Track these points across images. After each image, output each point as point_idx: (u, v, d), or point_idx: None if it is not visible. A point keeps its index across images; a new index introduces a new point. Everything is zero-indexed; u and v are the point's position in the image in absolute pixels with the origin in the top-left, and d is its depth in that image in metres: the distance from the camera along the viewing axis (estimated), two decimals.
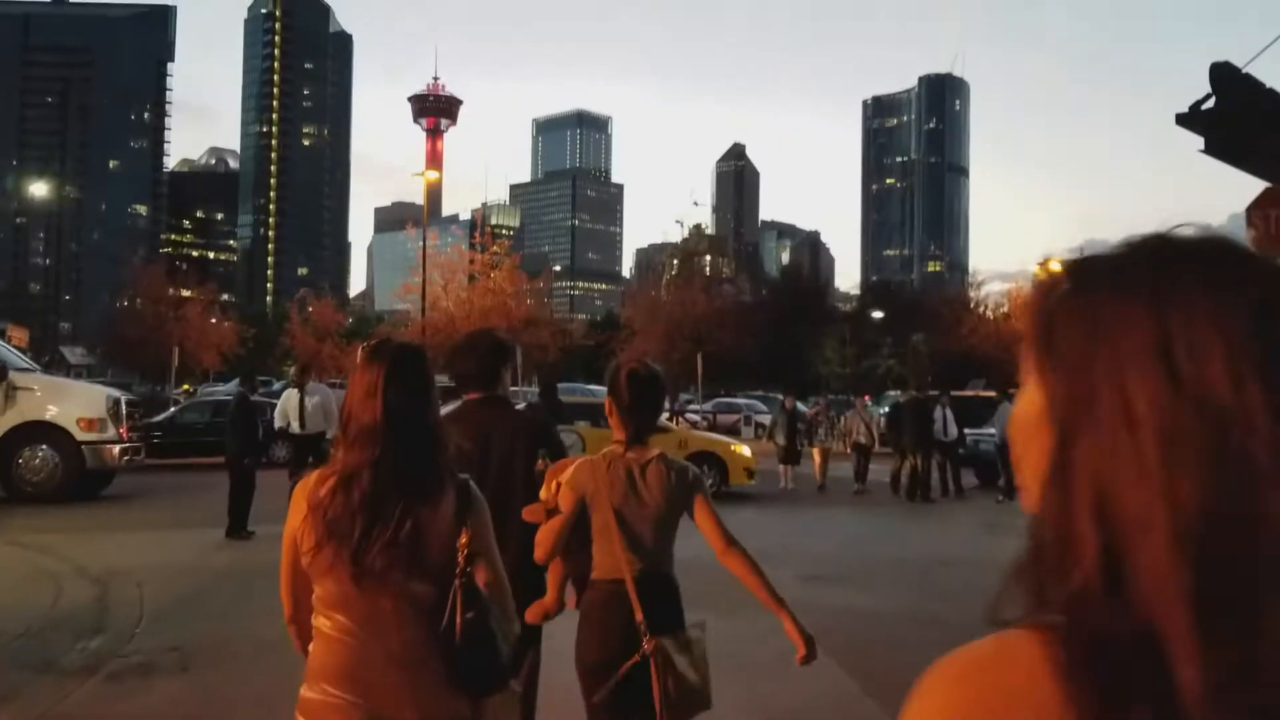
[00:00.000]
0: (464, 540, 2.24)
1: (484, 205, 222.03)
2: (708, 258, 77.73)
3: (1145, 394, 0.64)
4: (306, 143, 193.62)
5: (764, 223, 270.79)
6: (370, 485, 2.21)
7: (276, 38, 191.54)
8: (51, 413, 13.92)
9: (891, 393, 38.93)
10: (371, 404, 2.26)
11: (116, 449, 14.25)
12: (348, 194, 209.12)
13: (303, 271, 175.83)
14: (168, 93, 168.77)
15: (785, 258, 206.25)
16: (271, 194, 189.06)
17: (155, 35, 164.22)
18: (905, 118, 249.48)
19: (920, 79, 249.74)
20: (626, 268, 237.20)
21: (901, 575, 9.85)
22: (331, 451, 2.37)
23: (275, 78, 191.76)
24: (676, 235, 62.26)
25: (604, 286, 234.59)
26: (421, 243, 45.52)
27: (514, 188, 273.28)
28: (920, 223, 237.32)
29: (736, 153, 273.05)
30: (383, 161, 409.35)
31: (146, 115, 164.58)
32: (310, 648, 2.32)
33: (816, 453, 18.71)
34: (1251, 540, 0.61)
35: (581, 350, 56.14)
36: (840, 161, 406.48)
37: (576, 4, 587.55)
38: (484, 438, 3.46)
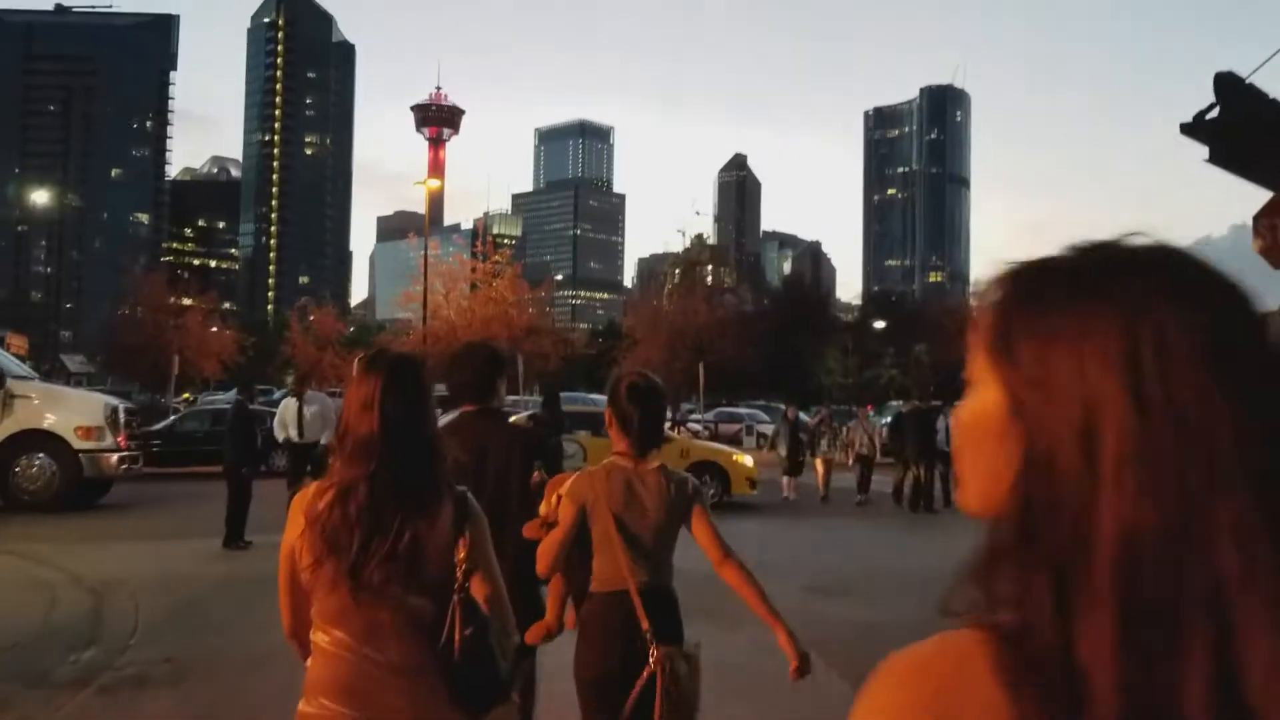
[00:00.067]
0: (462, 554, 2.21)
1: (486, 214, 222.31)
2: (709, 267, 77.70)
3: (1108, 407, 0.63)
4: (309, 152, 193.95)
5: (765, 233, 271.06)
6: (368, 498, 2.19)
7: (279, 47, 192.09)
8: (49, 421, 13.84)
9: (894, 403, 38.85)
10: (369, 416, 2.23)
11: (114, 457, 14.16)
12: (349, 203, 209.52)
13: (304, 280, 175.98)
14: (170, 101, 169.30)
15: (787, 268, 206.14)
16: (273, 203, 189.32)
17: (158, 44, 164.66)
18: (906, 129, 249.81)
19: (921, 90, 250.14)
20: (628, 277, 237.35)
21: (905, 587, 9.73)
22: (330, 463, 2.34)
23: (278, 87, 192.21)
24: (678, 245, 62.33)
25: (606, 296, 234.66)
26: (423, 251, 45.50)
27: (516, 197, 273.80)
28: (922, 233, 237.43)
29: (738, 163, 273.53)
30: (385, 171, 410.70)
31: (149, 124, 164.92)
32: (308, 663, 2.29)
33: (819, 463, 18.63)
34: (1189, 558, 0.61)
35: (583, 359, 56.07)
36: (841, 172, 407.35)
37: (579, 14, 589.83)
38: (480, 450, 3.44)
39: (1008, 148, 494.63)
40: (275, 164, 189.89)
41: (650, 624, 2.94)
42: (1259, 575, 0.61)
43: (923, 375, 48.65)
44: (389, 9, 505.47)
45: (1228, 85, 7.86)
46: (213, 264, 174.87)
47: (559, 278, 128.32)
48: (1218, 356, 0.64)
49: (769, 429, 28.77)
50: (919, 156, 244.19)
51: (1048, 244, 0.70)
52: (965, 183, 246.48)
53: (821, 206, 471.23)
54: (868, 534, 14.25)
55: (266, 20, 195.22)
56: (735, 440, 30.95)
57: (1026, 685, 0.63)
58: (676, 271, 68.17)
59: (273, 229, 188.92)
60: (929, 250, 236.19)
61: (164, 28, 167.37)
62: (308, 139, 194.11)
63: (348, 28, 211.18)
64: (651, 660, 2.90)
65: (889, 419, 22.32)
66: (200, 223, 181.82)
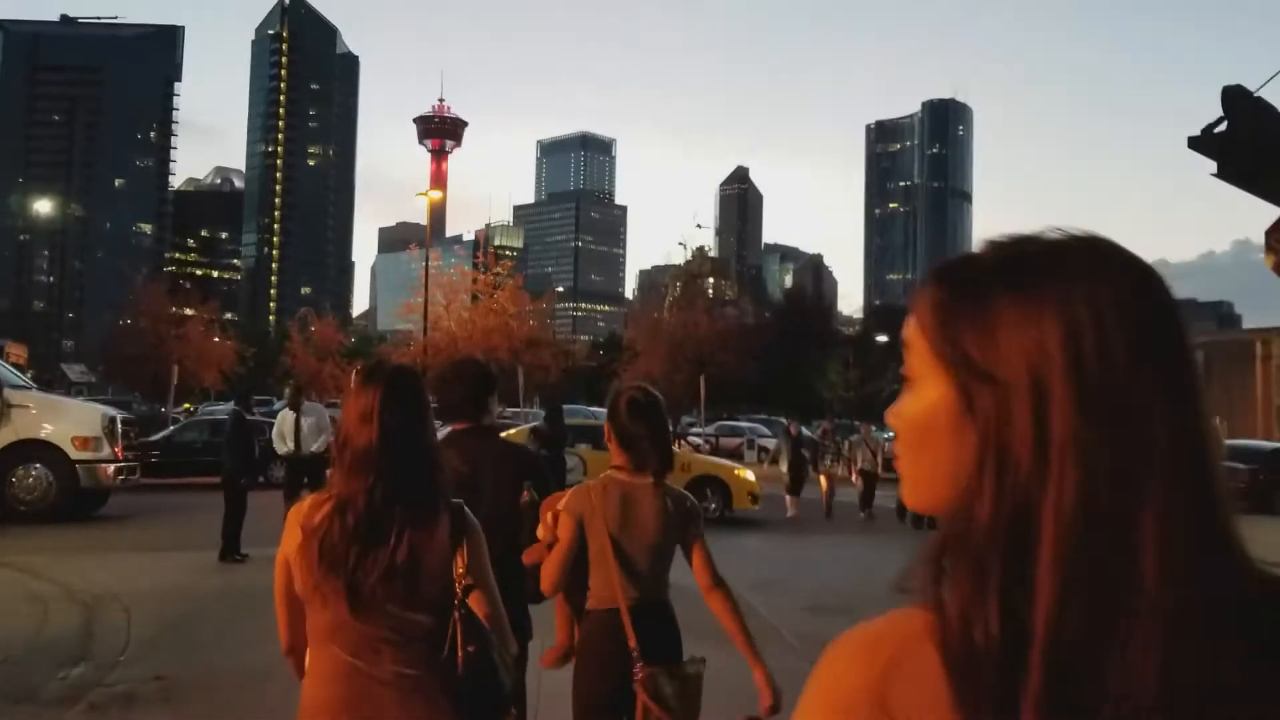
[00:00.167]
0: (461, 570, 2.20)
1: (488, 226, 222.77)
2: (711, 280, 77.74)
3: (1054, 395, 0.65)
4: (311, 163, 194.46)
5: (767, 245, 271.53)
6: (366, 510, 2.17)
7: (283, 59, 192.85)
8: (46, 431, 13.73)
9: None
10: (367, 427, 2.22)
11: (111, 468, 14.05)
12: (352, 214, 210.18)
13: (306, 291, 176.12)
14: (174, 112, 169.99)
15: (788, 281, 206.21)
16: (276, 213, 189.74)
17: (163, 55, 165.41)
18: (908, 142, 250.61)
19: (923, 104, 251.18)
20: (629, 289, 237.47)
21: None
22: (328, 474, 2.32)
23: (282, 98, 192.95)
24: (679, 257, 62.36)
25: (607, 308, 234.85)
26: (424, 263, 45.50)
27: (518, 209, 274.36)
28: (923, 247, 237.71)
29: (740, 176, 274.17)
30: (388, 182, 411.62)
31: (153, 134, 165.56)
32: (304, 683, 2.26)
33: (823, 478, 18.49)
34: (1129, 541, 0.63)
35: (584, 371, 56.03)
36: (843, 185, 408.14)
37: (582, 28, 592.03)
38: (471, 469, 3.36)
39: (1010, 162, 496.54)
40: (278, 175, 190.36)
41: (640, 642, 2.90)
42: (1181, 562, 0.62)
43: None
44: (393, 22, 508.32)
45: (1236, 99, 7.80)
46: (215, 274, 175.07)
47: (560, 289, 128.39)
48: (1147, 338, 0.66)
49: (771, 443, 28.64)
50: (921, 170, 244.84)
51: None
52: (967, 197, 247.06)
53: (823, 220, 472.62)
54: (871, 551, 14.08)
55: (271, 32, 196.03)
56: (736, 454, 30.82)
57: (967, 666, 0.64)
58: (678, 284, 68.22)
59: (275, 239, 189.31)
60: (930, 264, 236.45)
61: (169, 39, 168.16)
62: (311, 150, 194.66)
63: (352, 40, 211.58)
64: (634, 682, 2.86)
65: (891, 434, 22.15)
66: (203, 233, 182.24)
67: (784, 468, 17.89)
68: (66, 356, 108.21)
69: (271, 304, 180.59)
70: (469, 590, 2.21)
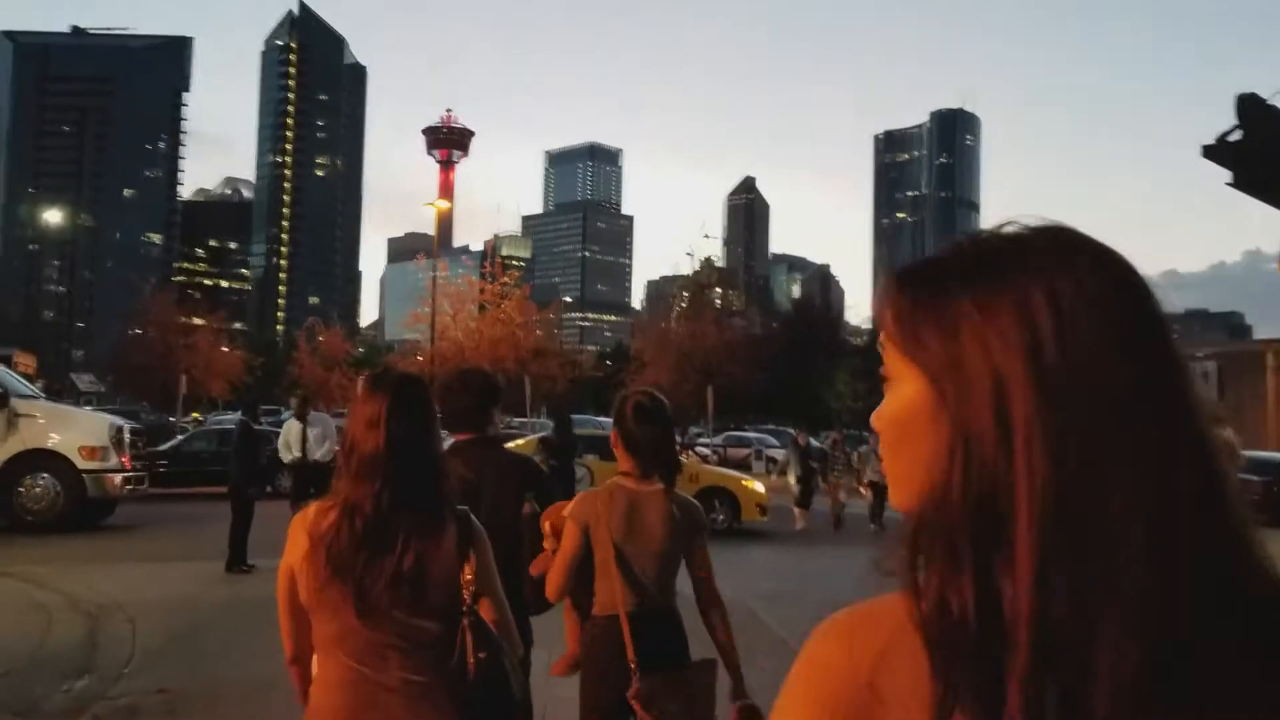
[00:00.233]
0: (469, 576, 2.20)
1: (495, 236, 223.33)
2: (718, 290, 77.57)
3: (1014, 382, 0.65)
4: (320, 173, 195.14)
5: (774, 256, 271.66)
6: (373, 517, 2.16)
7: (292, 69, 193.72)
8: (53, 440, 13.71)
9: None
10: (374, 435, 2.22)
11: (119, 478, 14.03)
12: (359, 224, 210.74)
13: (314, 301, 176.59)
14: (183, 123, 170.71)
15: (796, 291, 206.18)
16: (284, 224, 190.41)
17: (172, 66, 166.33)
18: (916, 152, 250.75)
19: (932, 114, 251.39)
20: (637, 299, 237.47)
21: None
22: (333, 482, 2.30)
23: (290, 109, 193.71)
24: (687, 267, 62.00)
25: (614, 318, 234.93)
26: (432, 273, 45.55)
27: (526, 219, 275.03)
28: None
29: (747, 186, 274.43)
30: (396, 192, 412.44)
31: (162, 144, 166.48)
32: (310, 691, 2.25)
33: (833, 489, 18.38)
34: (1103, 523, 0.63)
35: (591, 381, 55.96)
36: (850, 196, 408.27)
37: (589, 38, 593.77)
38: (474, 479, 3.33)
39: (1018, 172, 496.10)
40: (287, 185, 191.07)
41: (644, 650, 2.89)
42: (1163, 547, 0.63)
43: None
44: (401, 33, 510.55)
45: (1251, 108, 7.73)
46: (224, 284, 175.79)
47: (567, 299, 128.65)
48: (1114, 324, 0.66)
49: (779, 453, 28.52)
50: (929, 180, 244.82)
51: None
52: (975, 207, 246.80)
53: (830, 230, 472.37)
54: None
55: (280, 43, 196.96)
56: (744, 465, 30.73)
57: (945, 643, 0.65)
58: (685, 294, 68.02)
59: (283, 249, 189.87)
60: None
61: (178, 50, 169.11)
62: (319, 160, 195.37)
63: (360, 51, 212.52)
64: (629, 693, 2.84)
65: None
66: (212, 243, 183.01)
67: (792, 479, 17.79)
68: (76, 366, 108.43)
69: (279, 314, 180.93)
70: (478, 597, 2.21)
